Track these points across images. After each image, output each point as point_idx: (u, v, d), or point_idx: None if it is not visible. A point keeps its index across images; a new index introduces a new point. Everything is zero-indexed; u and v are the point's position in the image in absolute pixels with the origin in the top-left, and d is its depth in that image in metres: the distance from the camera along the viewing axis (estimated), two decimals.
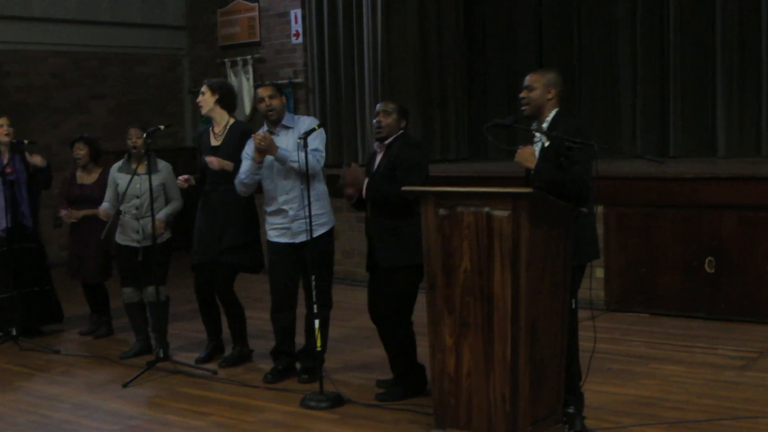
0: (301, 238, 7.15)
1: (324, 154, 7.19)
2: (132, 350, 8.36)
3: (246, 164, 7.20)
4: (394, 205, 6.50)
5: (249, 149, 7.22)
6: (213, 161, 7.54)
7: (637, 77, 11.39)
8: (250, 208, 7.74)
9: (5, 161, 8.88)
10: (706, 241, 8.73)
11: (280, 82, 12.71)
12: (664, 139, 11.31)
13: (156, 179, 7.99)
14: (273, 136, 7.16)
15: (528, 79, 5.97)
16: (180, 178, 7.84)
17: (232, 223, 7.63)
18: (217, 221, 7.67)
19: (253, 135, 7.13)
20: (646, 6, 11.27)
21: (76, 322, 9.57)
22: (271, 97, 7.22)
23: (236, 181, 7.29)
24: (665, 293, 8.96)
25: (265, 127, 7.34)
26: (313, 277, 6.87)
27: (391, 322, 6.71)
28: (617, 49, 11.61)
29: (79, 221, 8.97)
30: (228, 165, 7.54)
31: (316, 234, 7.06)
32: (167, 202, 8.24)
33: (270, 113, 7.22)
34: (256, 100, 7.33)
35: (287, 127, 7.22)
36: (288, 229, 7.21)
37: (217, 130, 7.82)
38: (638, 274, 9.09)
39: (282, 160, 7.01)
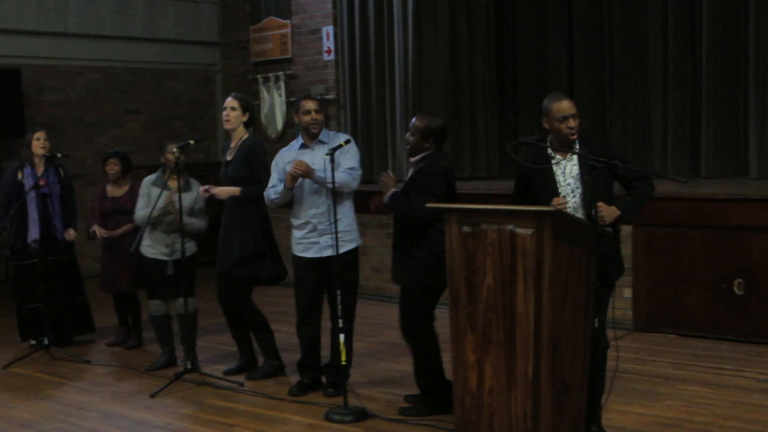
0: (328, 252, 7.19)
1: (360, 172, 7.25)
2: (158, 363, 8.42)
3: (278, 187, 7.26)
4: (408, 223, 6.59)
5: (277, 168, 7.31)
6: (218, 192, 7.66)
7: (669, 97, 11.32)
8: (262, 220, 7.77)
9: (39, 174, 8.98)
10: (736, 263, 8.67)
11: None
12: (695, 159, 11.23)
13: (188, 197, 8.05)
14: (308, 151, 7.25)
15: (573, 107, 5.92)
16: (201, 188, 7.89)
17: (242, 236, 7.66)
18: (231, 234, 7.73)
19: (289, 171, 7.13)
20: (677, 25, 11.21)
21: (107, 333, 9.66)
22: (317, 111, 7.28)
23: (266, 195, 7.36)
24: (693, 314, 8.91)
25: (299, 141, 7.39)
26: (339, 291, 6.90)
27: (411, 337, 6.77)
28: (648, 68, 11.55)
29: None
30: (235, 191, 7.63)
31: (343, 250, 7.10)
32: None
33: (314, 126, 7.27)
34: (301, 112, 7.32)
35: (322, 143, 7.27)
36: (316, 243, 7.25)
37: (232, 145, 7.85)
38: (666, 294, 9.05)
39: (320, 183, 7.08)
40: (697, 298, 8.89)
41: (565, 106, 5.87)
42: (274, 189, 7.30)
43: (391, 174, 6.84)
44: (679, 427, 6.41)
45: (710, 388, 7.32)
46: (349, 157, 7.14)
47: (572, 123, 5.86)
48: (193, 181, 8.32)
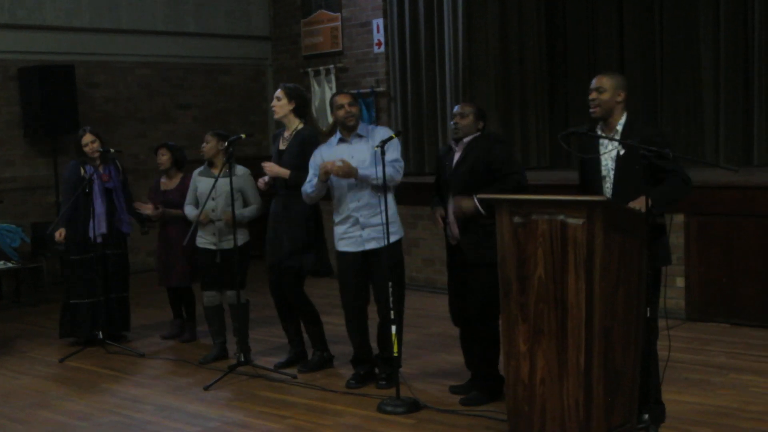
0: (371, 245, 7.22)
1: (403, 164, 7.27)
2: (210, 355, 8.48)
3: (313, 180, 7.29)
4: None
5: (314, 164, 7.31)
6: (268, 167, 7.70)
7: (720, 85, 11.24)
8: (312, 212, 7.82)
9: (101, 170, 9.06)
10: None
11: (362, 91, 12.84)
12: (747, 147, 11.13)
13: (235, 181, 8.07)
14: (346, 145, 7.30)
15: (597, 81, 6.01)
16: (260, 180, 7.97)
17: (293, 227, 7.74)
18: (281, 224, 7.80)
19: (325, 163, 7.13)
20: (729, 12, 11.11)
21: (162, 327, 9.77)
22: (350, 104, 7.33)
23: (302, 190, 7.39)
24: (746, 303, 8.85)
25: (338, 136, 7.42)
26: (390, 283, 6.93)
27: (477, 323, 6.74)
28: (700, 56, 11.47)
29: (165, 227, 9.21)
30: (284, 173, 7.68)
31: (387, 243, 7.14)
32: (245, 205, 8.33)
33: (349, 119, 7.31)
34: (335, 107, 7.37)
35: (361, 136, 7.31)
36: (358, 236, 7.27)
37: (286, 134, 7.93)
38: (719, 283, 8.99)
39: (365, 180, 7.12)
40: (750, 287, 8.82)
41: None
42: (310, 183, 7.33)
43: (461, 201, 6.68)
44: (733, 416, 6.38)
45: (763, 377, 7.28)
46: (392, 150, 7.12)
47: (592, 95, 6.00)
48: (239, 167, 8.32)
